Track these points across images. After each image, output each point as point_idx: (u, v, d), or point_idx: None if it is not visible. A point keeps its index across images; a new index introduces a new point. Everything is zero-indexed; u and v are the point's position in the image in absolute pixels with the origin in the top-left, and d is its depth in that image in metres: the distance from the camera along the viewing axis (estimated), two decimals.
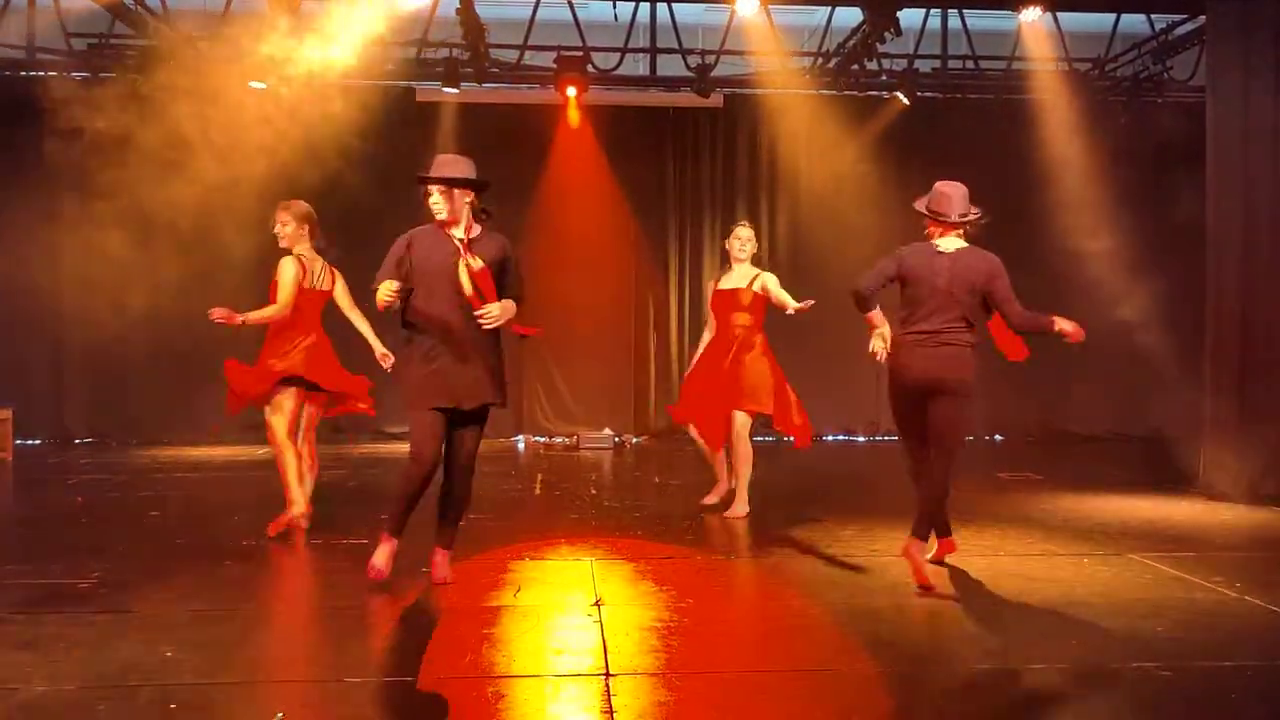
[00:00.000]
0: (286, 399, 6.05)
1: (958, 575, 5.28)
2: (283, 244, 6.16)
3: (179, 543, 6.02)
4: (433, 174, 4.91)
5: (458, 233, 4.91)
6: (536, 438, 11.48)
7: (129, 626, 4.35)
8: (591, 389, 11.52)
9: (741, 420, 6.68)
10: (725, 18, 10.25)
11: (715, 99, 11.13)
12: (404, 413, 4.99)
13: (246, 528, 6.29)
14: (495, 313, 4.78)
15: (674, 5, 10.51)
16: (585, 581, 5.14)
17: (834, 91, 11.08)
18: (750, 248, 6.84)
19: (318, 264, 6.20)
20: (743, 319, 6.74)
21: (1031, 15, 9.75)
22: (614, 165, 11.41)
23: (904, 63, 10.92)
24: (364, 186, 10.15)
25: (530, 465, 9.77)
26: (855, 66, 10.59)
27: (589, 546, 5.95)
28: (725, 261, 7.04)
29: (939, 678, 3.85)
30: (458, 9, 9.24)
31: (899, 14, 9.42)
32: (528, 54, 10.50)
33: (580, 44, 10.50)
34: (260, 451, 9.73)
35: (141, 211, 8.88)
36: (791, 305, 6.47)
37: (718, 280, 6.99)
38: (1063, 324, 5.14)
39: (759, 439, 7.15)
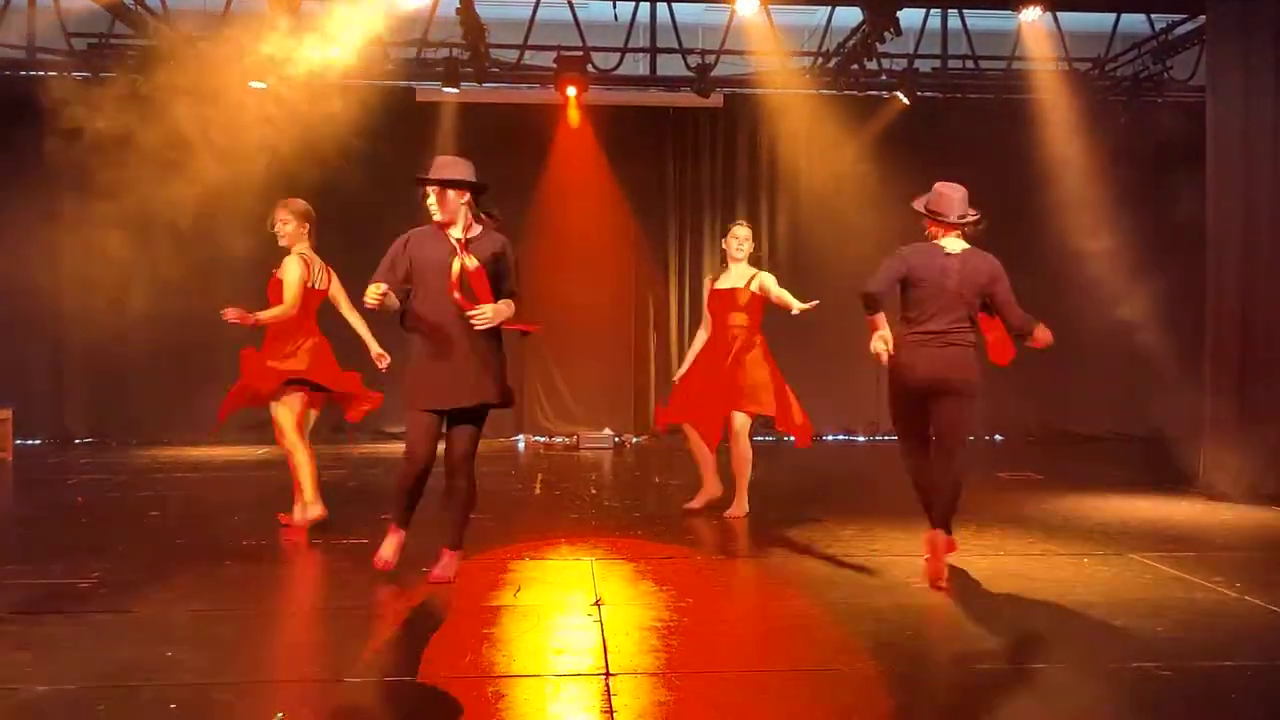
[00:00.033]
0: (294, 400, 6.04)
1: (958, 575, 5.28)
2: (282, 242, 6.15)
3: (179, 543, 6.02)
4: (429, 175, 4.96)
5: (455, 233, 4.94)
6: (536, 438, 11.49)
7: (129, 626, 4.35)
8: (591, 389, 11.52)
9: (741, 421, 6.66)
10: (725, 18, 10.25)
11: (715, 99, 11.14)
12: (402, 412, 5.05)
13: (246, 528, 6.29)
14: (487, 314, 4.79)
15: (674, 5, 10.51)
16: (585, 581, 5.14)
17: (834, 91, 11.08)
18: (748, 247, 6.80)
19: (316, 263, 6.20)
20: (739, 319, 6.70)
21: (1031, 15, 9.75)
22: (614, 165, 11.41)
23: (904, 63, 10.92)
24: (364, 186, 10.17)
25: (530, 465, 9.78)
26: (855, 66, 10.60)
27: (589, 546, 5.95)
28: (723, 261, 7.01)
29: (939, 678, 3.85)
30: (458, 9, 9.24)
31: (899, 14, 9.42)
32: (528, 54, 10.50)
33: (580, 44, 10.50)
34: (260, 451, 9.74)
35: (142, 211, 8.86)
36: (796, 306, 6.42)
37: (715, 280, 6.94)
38: (1042, 332, 5.21)
39: (759, 439, 7.16)
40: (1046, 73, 10.60)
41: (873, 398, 11.04)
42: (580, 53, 10.45)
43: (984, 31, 10.96)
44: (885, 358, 5.18)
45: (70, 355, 10.93)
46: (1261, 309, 7.63)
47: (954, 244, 5.23)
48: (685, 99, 11.08)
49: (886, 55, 10.72)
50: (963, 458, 5.23)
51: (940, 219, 5.27)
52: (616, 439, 11.08)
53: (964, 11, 10.72)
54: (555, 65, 10.42)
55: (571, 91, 10.61)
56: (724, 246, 6.89)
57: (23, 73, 10.34)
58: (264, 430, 8.21)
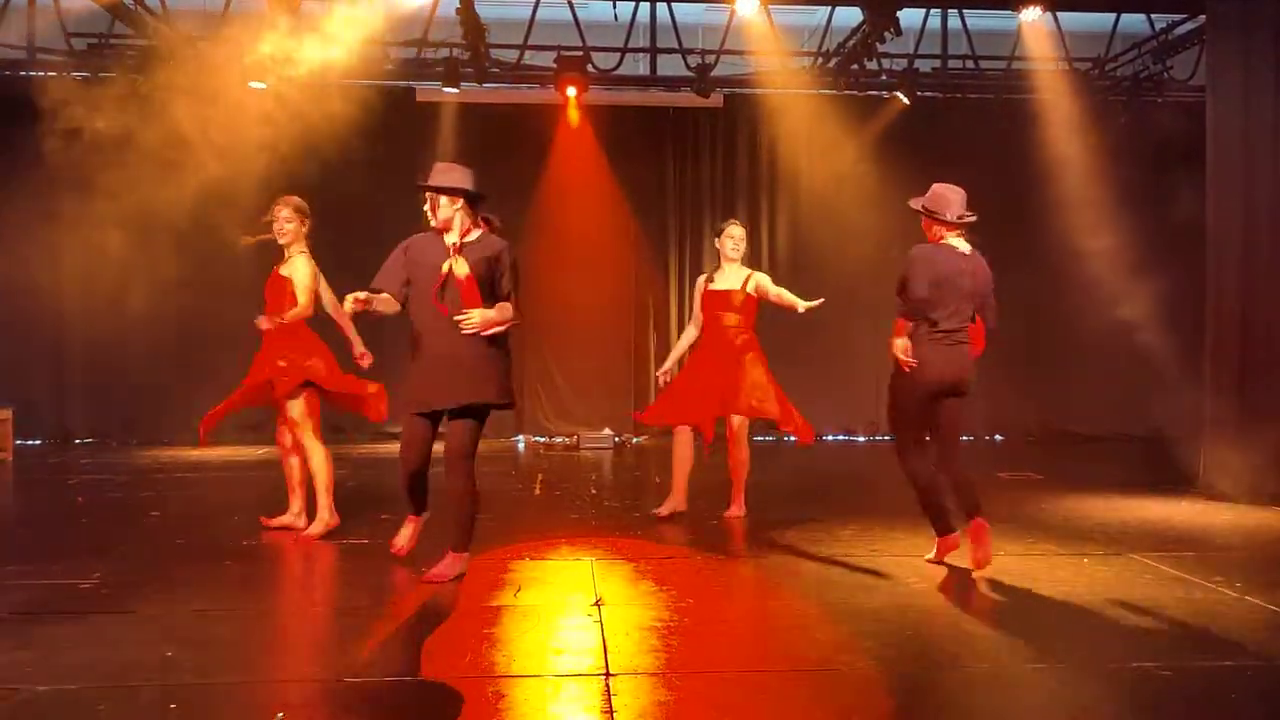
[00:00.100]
0: (311, 399, 6.01)
1: (958, 575, 5.29)
2: (283, 240, 6.06)
3: (179, 543, 6.02)
4: (424, 181, 5.04)
5: (450, 238, 5.00)
6: (536, 438, 11.49)
7: (129, 626, 4.35)
8: (591, 389, 11.52)
9: (740, 423, 6.65)
10: (725, 18, 10.25)
11: (715, 99, 11.14)
12: (401, 412, 5.16)
13: (246, 528, 6.29)
14: (474, 320, 4.82)
15: (674, 5, 10.51)
16: (585, 581, 5.14)
17: (834, 91, 11.07)
18: (743, 246, 6.73)
19: (313, 262, 6.17)
20: (733, 319, 6.60)
21: (1031, 15, 9.74)
22: (614, 165, 11.41)
23: (904, 63, 10.92)
24: (364, 186, 10.19)
25: (530, 465, 9.77)
26: (855, 66, 10.60)
27: (589, 546, 5.95)
28: (717, 260, 6.87)
29: (939, 678, 3.85)
30: (458, 9, 9.24)
31: (899, 14, 9.41)
32: (528, 54, 10.50)
33: (580, 44, 10.50)
34: (260, 451, 9.74)
35: (141, 211, 8.87)
36: (801, 304, 6.36)
37: (709, 279, 6.78)
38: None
39: (759, 439, 7.16)
40: (1046, 73, 10.60)
41: (873, 398, 10.99)
42: (580, 53, 10.45)
43: (984, 31, 10.96)
44: (906, 361, 5.21)
45: (70, 355, 10.93)
46: (1261, 309, 7.63)
47: (962, 244, 5.27)
48: (685, 99, 11.08)
49: (886, 55, 10.72)
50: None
51: (937, 217, 5.29)
52: (616, 439, 11.07)
53: (964, 11, 10.71)
54: (555, 65, 10.42)
55: (571, 91, 10.61)
56: (718, 246, 6.76)
57: (23, 73, 10.34)
58: (263, 430, 8.24)
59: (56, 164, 9.22)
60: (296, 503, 6.26)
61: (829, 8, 10.53)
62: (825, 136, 11.17)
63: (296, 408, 5.98)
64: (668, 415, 6.80)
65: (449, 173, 5.03)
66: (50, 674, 3.73)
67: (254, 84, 9.30)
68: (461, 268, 4.90)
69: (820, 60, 10.85)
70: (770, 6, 9.95)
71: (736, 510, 6.73)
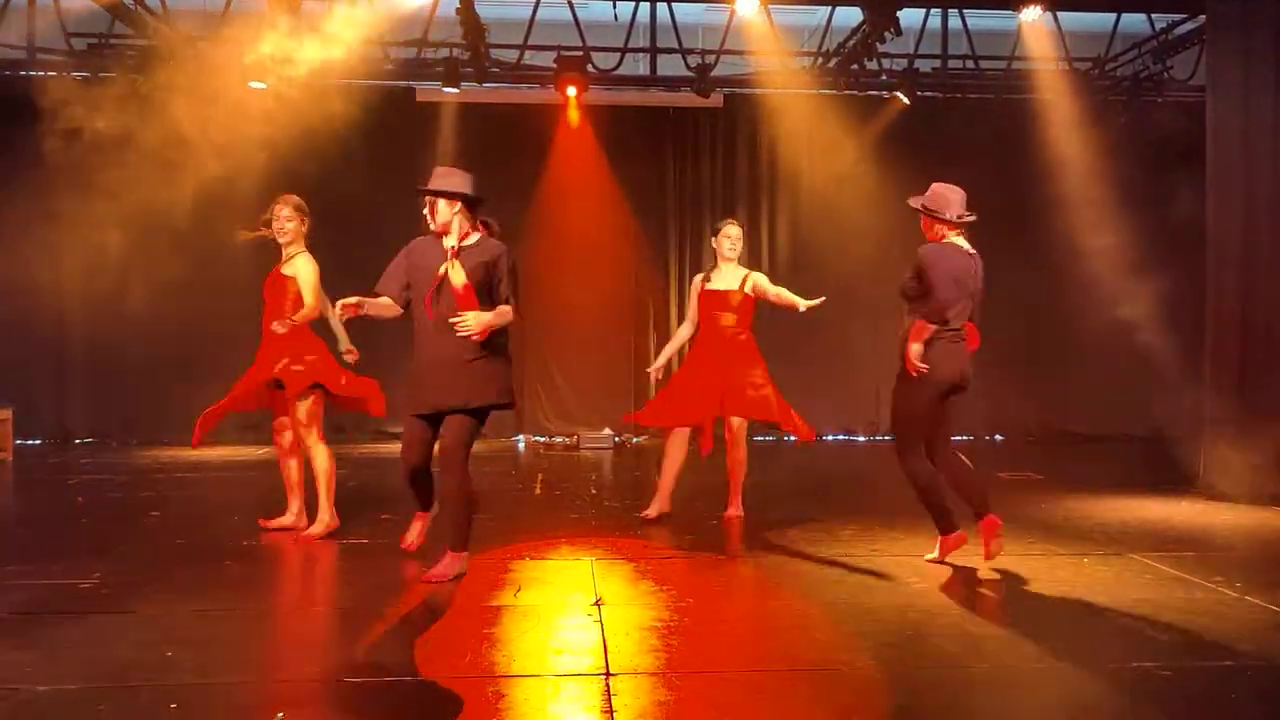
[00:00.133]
0: (314, 403, 6.01)
1: (958, 575, 5.29)
2: (283, 239, 6.05)
3: (179, 543, 6.02)
4: (424, 184, 5.07)
5: (448, 241, 5.02)
6: (536, 438, 11.49)
7: (129, 626, 4.35)
8: (591, 389, 11.51)
9: (739, 424, 6.64)
10: (725, 18, 10.26)
11: (715, 99, 11.14)
12: (401, 411, 5.21)
13: (246, 528, 6.29)
14: (469, 323, 4.83)
15: (674, 5, 10.52)
16: (585, 581, 5.14)
17: (834, 91, 11.07)
18: (740, 246, 6.70)
19: (315, 261, 6.16)
20: (730, 319, 6.57)
21: (1032, 15, 9.74)
22: (614, 165, 11.42)
23: (904, 62, 10.92)
24: (364, 186, 10.18)
25: (530, 465, 9.78)
26: (855, 66, 10.60)
27: (589, 546, 5.95)
28: (713, 260, 6.81)
29: (939, 678, 3.85)
30: (458, 9, 9.24)
31: (899, 14, 9.42)
32: (528, 54, 10.50)
33: (580, 44, 10.51)
34: (260, 451, 9.74)
35: (141, 211, 8.87)
36: (802, 303, 6.32)
37: (706, 279, 6.73)
38: None
39: (759, 439, 7.15)
40: (1047, 72, 10.60)
41: (873, 398, 11.00)
42: (580, 53, 10.45)
43: (984, 31, 10.97)
44: (919, 368, 5.22)
45: (70, 355, 10.94)
46: (1261, 309, 7.62)
47: (966, 244, 5.30)
48: (685, 99, 11.08)
49: (886, 55, 10.73)
50: None
51: (938, 216, 5.29)
52: (616, 439, 11.07)
53: (964, 11, 10.72)
54: (555, 65, 10.42)
55: (571, 91, 10.61)
56: (715, 245, 6.72)
57: (23, 73, 10.34)
58: (263, 430, 8.22)
59: (56, 164, 9.22)
60: (295, 504, 6.26)
61: (829, 8, 10.53)
62: (825, 136, 11.17)
63: (304, 408, 5.97)
64: (665, 416, 6.74)
65: (448, 176, 5.07)
66: (50, 674, 3.73)
67: (254, 84, 9.30)
68: (458, 274, 4.92)
69: (820, 60, 10.85)
70: (770, 6, 9.95)
71: (734, 511, 6.72)
